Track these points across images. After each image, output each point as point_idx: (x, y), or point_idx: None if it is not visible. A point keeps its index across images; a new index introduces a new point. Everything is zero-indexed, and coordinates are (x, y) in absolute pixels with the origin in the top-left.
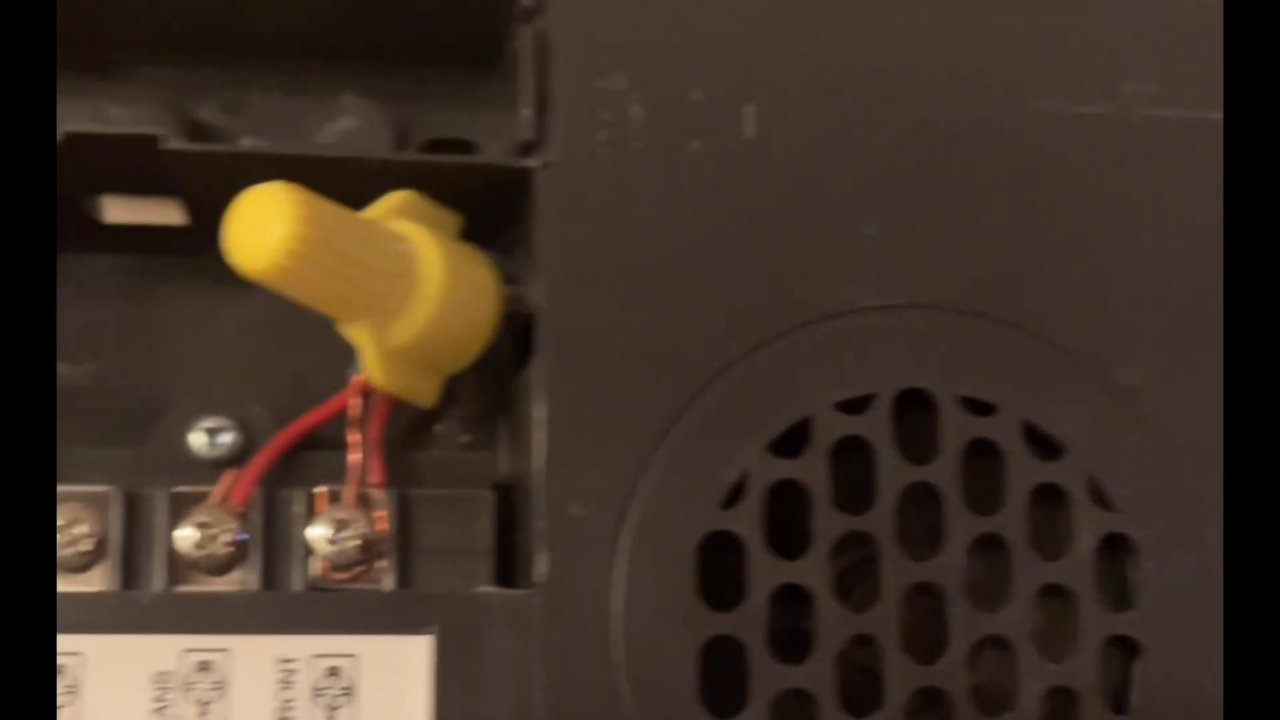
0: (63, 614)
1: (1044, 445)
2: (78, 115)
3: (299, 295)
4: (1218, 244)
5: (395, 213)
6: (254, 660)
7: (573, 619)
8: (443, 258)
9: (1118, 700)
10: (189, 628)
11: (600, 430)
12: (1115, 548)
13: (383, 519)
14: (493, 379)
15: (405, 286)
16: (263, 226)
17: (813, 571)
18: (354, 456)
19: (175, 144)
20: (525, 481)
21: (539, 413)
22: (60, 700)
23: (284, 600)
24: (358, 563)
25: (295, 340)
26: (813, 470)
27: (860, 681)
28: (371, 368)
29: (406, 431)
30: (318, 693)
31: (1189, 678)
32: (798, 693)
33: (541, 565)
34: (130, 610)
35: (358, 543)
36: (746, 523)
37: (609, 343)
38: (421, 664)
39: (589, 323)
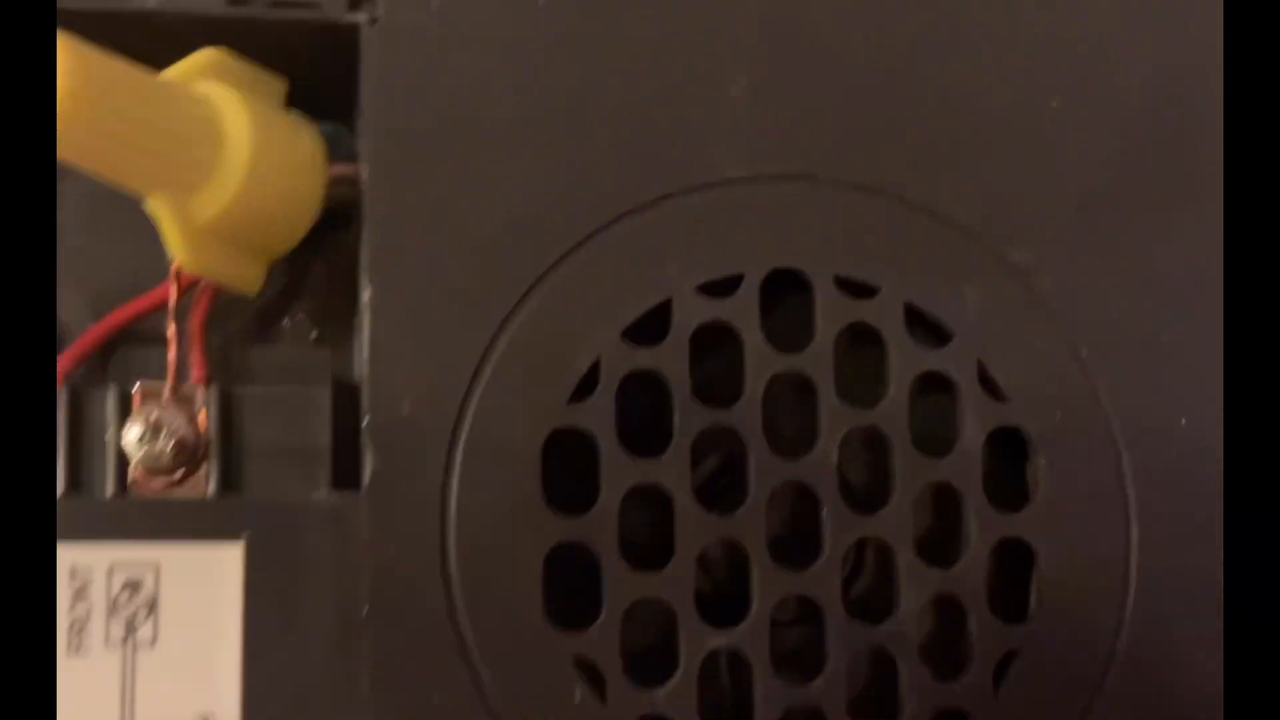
0: None
1: (929, 330)
2: None
3: (78, 162)
4: (1125, 119)
5: (200, 73)
6: None
7: (402, 527)
8: (252, 123)
9: (1015, 610)
10: None
11: (432, 317)
12: (1006, 441)
13: (202, 420)
14: (345, 266)
15: (207, 154)
16: None
17: (671, 471)
18: (172, 350)
19: None
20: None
21: (364, 298)
22: None
23: (75, 505)
24: (176, 467)
25: (117, 223)
26: (672, 359)
27: (725, 591)
28: (175, 246)
29: (251, 326)
30: (115, 608)
31: (1088, 583)
32: (654, 603)
33: (367, 467)
34: None
35: (172, 443)
36: (597, 417)
37: (441, 220)
38: (232, 576)
39: (418, 197)
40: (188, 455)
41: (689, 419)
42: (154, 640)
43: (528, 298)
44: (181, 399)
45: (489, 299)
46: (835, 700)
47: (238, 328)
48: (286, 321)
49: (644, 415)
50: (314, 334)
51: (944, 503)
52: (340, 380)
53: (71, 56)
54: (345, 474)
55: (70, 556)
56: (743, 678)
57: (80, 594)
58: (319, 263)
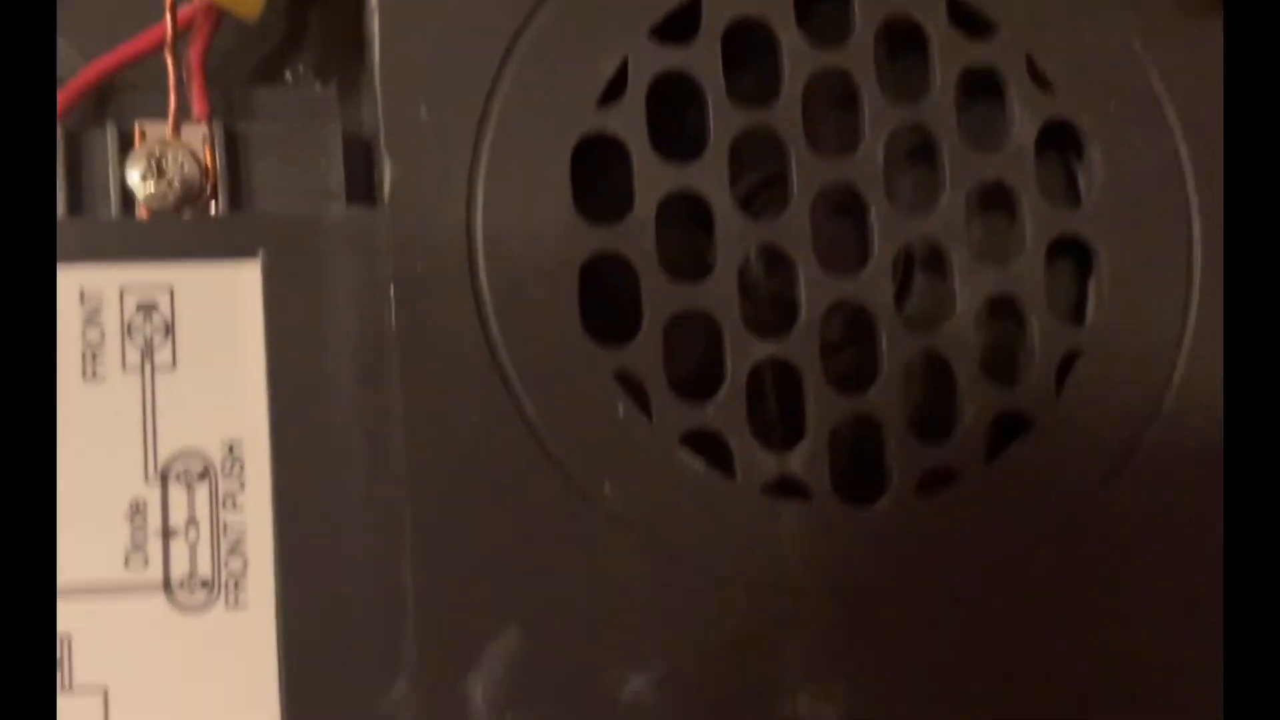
0: None
1: (973, 23)
2: None
3: None
4: None
5: None
6: None
7: (427, 240)
8: None
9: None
10: None
11: (449, 12)
12: (1058, 137)
13: (207, 155)
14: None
15: None
16: None
17: (708, 174)
18: (170, 80)
19: None
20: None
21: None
22: None
23: (84, 226)
24: (182, 207)
25: None
26: (704, 58)
27: (768, 309)
28: None
29: (254, 76)
30: (130, 331)
31: (1150, 283)
32: (696, 318)
33: (386, 177)
34: None
35: (178, 181)
36: (627, 120)
37: None
38: (250, 296)
39: None
40: (194, 194)
41: (725, 120)
42: (174, 364)
43: None
44: (184, 138)
45: None
46: (890, 409)
47: (239, 77)
48: (288, 75)
49: (677, 129)
50: (318, 88)
51: (996, 206)
52: (349, 130)
53: None
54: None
55: (77, 279)
56: (791, 393)
57: (92, 318)
58: (317, 11)
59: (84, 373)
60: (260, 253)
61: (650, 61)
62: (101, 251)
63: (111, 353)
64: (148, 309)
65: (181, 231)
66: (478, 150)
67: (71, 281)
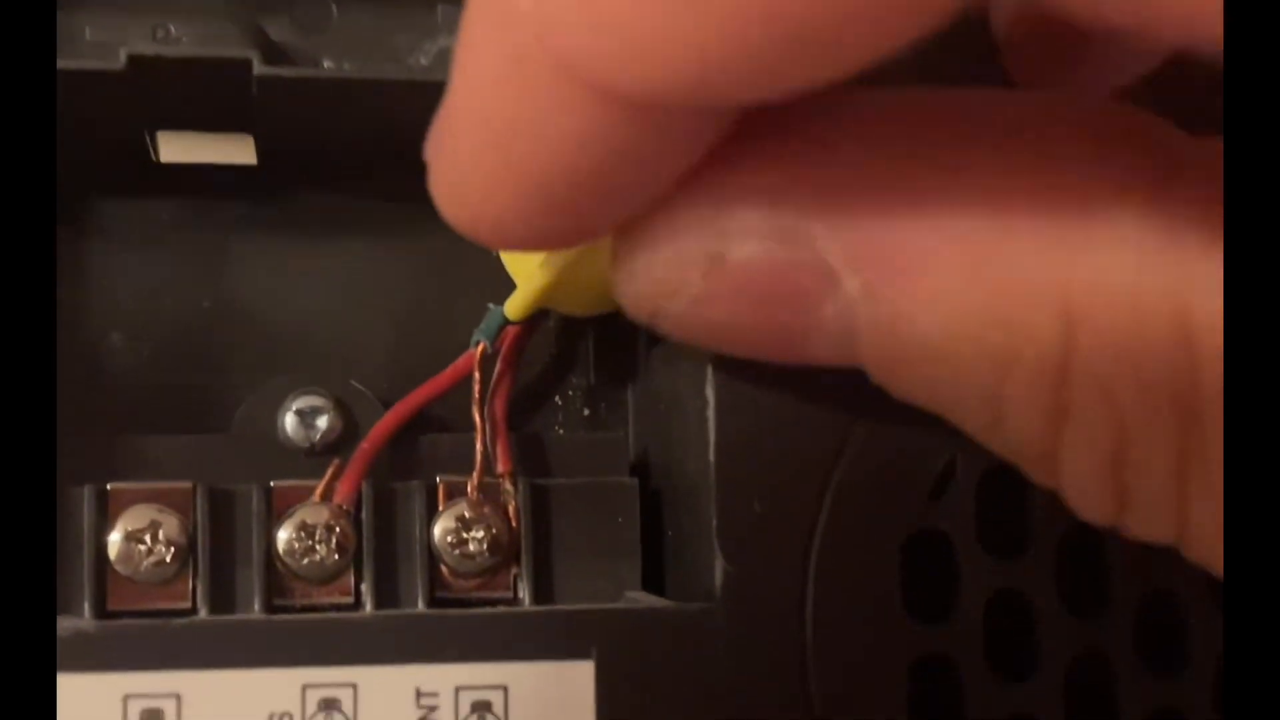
0: (149, 644)
1: None
2: (135, 34)
3: None
4: None
5: None
6: (388, 697)
7: (760, 637)
8: None
9: None
10: (307, 658)
11: (783, 404)
12: None
13: (513, 515)
14: (622, 340)
15: None
16: None
17: (1036, 572)
18: (479, 440)
19: (265, 69)
20: (668, 465)
21: (709, 393)
22: None
23: (414, 622)
24: (486, 568)
25: (394, 302)
26: None
27: (1094, 705)
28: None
29: (521, 406)
30: None
31: None
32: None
33: (717, 573)
34: (236, 637)
35: (485, 545)
36: (957, 517)
37: None
38: (582, 695)
39: None
40: (501, 555)
41: (1051, 518)
42: None
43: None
44: (487, 493)
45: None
46: None
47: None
48: (557, 399)
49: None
50: (586, 411)
51: None
52: (634, 465)
53: None
54: (649, 569)
55: (412, 678)
56: None
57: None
58: (590, 335)
59: None
60: (591, 652)
61: (978, 461)
62: (432, 651)
63: None
64: (482, 709)
65: (509, 628)
66: (809, 545)
67: (406, 678)
